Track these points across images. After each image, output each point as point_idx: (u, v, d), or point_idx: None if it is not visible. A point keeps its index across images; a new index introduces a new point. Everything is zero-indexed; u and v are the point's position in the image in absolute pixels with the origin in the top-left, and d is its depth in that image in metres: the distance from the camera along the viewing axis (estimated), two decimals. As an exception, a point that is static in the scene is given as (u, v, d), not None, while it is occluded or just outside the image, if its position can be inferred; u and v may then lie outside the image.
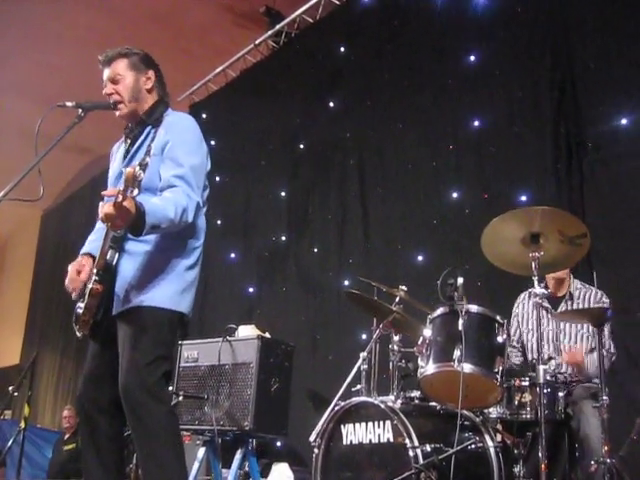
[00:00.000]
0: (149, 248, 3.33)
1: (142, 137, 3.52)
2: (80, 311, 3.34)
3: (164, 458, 3.19)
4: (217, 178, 8.88)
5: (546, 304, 4.63)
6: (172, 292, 3.35)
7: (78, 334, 3.45)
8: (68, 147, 11.15)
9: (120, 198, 2.83)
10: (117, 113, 3.54)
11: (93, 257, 3.47)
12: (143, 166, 3.31)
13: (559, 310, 4.59)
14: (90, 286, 3.26)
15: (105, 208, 2.89)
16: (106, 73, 3.53)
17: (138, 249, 3.34)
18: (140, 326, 3.27)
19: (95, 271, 3.30)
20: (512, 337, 4.73)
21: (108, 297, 3.30)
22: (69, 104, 3.43)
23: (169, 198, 3.17)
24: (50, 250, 15.15)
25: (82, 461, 3.43)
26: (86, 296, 3.31)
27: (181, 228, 3.27)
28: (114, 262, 3.34)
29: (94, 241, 3.59)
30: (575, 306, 4.59)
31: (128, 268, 3.33)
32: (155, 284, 3.31)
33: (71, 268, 3.45)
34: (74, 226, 13.28)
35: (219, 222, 9.13)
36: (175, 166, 3.32)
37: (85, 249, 3.58)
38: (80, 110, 3.44)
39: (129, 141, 3.60)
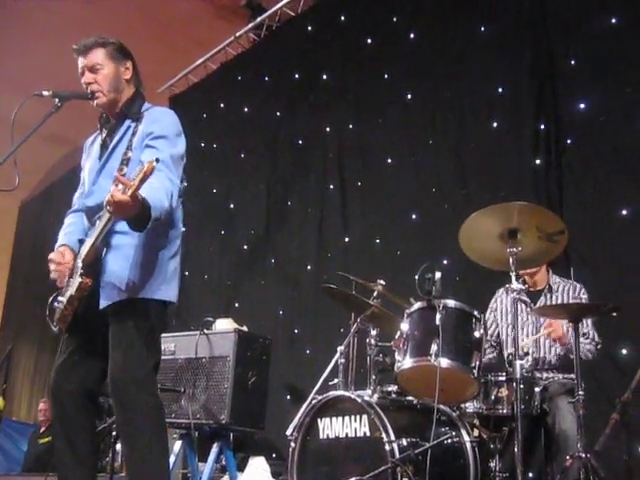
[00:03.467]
0: (134, 241, 3.32)
1: (122, 130, 3.49)
2: (61, 305, 3.33)
3: (149, 450, 3.20)
4: (197, 170, 8.85)
5: (525, 298, 4.65)
6: (159, 282, 3.35)
7: (54, 329, 3.43)
8: (46, 137, 11.05)
9: (135, 188, 2.83)
10: (94, 102, 3.50)
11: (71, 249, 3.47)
12: (126, 161, 3.32)
13: (538, 303, 4.61)
14: (78, 280, 3.25)
15: (119, 195, 2.86)
16: (82, 62, 3.49)
17: (123, 242, 3.32)
18: (131, 319, 3.27)
19: (81, 265, 3.29)
20: (487, 332, 4.74)
21: (91, 291, 3.29)
22: (46, 93, 3.39)
23: (157, 187, 3.13)
24: (28, 242, 15.03)
25: (55, 453, 3.42)
26: (70, 290, 3.29)
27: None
28: (101, 257, 3.33)
29: (70, 233, 3.58)
30: (554, 299, 4.61)
31: (115, 261, 3.31)
32: (143, 276, 3.31)
33: (54, 256, 3.43)
34: (52, 217, 13.11)
35: (198, 214, 9.10)
36: (155, 152, 3.29)
37: (62, 241, 3.55)
38: (57, 99, 3.41)
39: (105, 132, 3.58)
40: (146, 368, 3.27)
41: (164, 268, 3.40)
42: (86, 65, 3.48)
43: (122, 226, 3.27)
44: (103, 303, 3.28)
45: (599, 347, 4.46)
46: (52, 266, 3.41)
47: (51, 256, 3.43)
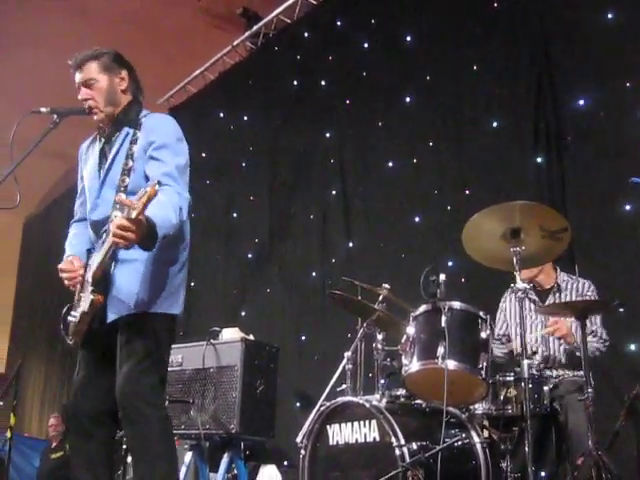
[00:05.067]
0: (142, 255, 3.29)
1: (120, 139, 3.47)
2: (75, 320, 3.31)
3: (159, 463, 3.20)
4: (198, 180, 8.84)
5: (533, 297, 4.63)
6: (167, 296, 3.35)
7: (70, 342, 3.42)
8: (47, 153, 10.96)
9: (137, 212, 2.80)
10: (94, 118, 3.50)
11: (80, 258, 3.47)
12: (127, 171, 3.30)
13: (547, 302, 4.60)
14: (90, 297, 3.23)
15: (120, 221, 2.84)
16: (78, 77, 3.49)
17: (132, 257, 3.30)
18: (139, 333, 3.27)
19: (91, 281, 3.27)
20: (498, 331, 4.72)
21: (102, 305, 3.28)
22: (43, 110, 3.40)
23: (165, 202, 3.10)
24: (34, 257, 15.04)
25: (72, 470, 3.40)
26: (83, 306, 3.28)
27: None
28: (110, 272, 3.31)
29: (76, 244, 3.57)
30: (563, 297, 4.58)
31: (122, 276, 3.30)
32: (151, 290, 3.30)
33: (64, 265, 3.43)
34: (57, 232, 13.02)
35: (202, 225, 9.09)
36: (161, 165, 3.30)
37: (69, 252, 3.55)
38: (55, 116, 3.41)
39: (103, 140, 3.56)
40: (153, 382, 3.26)
41: (172, 281, 3.40)
42: (81, 81, 3.48)
43: None
44: (111, 317, 3.28)
45: (607, 345, 4.44)
46: (64, 275, 3.41)
47: (61, 266, 3.44)
